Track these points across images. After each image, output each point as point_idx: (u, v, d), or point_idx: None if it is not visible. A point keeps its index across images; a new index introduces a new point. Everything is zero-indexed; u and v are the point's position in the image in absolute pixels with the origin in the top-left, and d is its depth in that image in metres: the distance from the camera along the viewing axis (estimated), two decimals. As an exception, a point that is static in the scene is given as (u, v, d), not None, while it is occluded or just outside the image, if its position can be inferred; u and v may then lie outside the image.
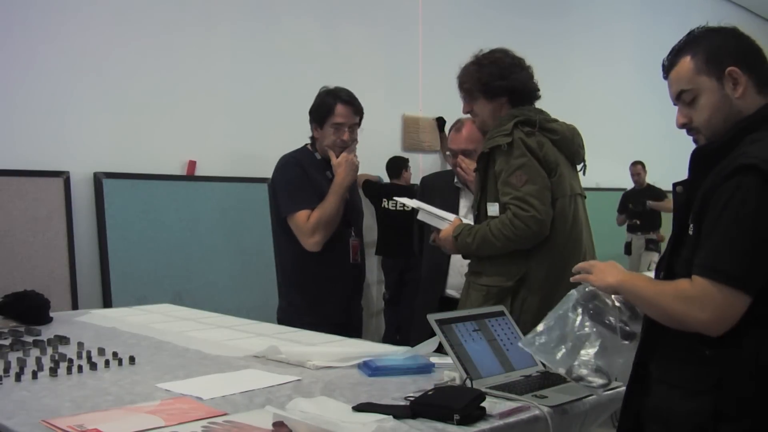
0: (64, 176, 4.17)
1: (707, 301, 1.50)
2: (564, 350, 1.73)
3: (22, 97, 4.08)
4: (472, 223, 2.61)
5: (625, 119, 8.34)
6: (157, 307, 3.25)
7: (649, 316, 1.66)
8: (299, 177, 3.04)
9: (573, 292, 1.81)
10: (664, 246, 7.83)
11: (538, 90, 2.64)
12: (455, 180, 3.19)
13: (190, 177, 4.75)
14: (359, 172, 3.24)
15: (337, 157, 3.03)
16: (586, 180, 2.70)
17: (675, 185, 1.70)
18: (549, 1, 7.65)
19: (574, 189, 2.57)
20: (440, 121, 6.42)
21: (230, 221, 4.85)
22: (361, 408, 1.65)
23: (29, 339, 2.45)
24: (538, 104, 2.66)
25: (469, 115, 2.74)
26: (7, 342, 2.36)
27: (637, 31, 8.72)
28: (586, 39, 8.03)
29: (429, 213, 2.75)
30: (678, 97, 1.69)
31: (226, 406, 1.69)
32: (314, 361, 2.09)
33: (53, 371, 2.00)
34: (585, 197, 2.67)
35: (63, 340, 2.42)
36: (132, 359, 2.15)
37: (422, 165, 6.37)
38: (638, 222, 8.04)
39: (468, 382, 1.79)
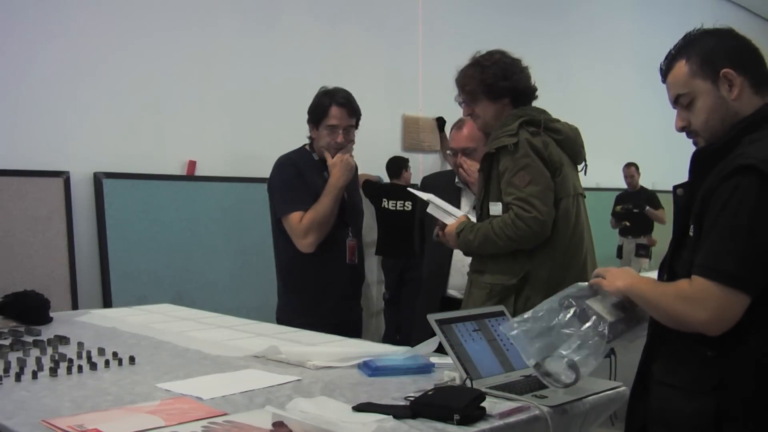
0: (64, 176, 4.17)
1: (706, 301, 1.50)
2: (542, 343, 1.72)
3: (23, 97, 4.08)
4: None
5: (625, 119, 8.35)
6: (157, 307, 3.25)
7: (654, 318, 1.66)
8: (294, 178, 3.04)
9: (571, 287, 1.81)
10: (654, 250, 7.82)
11: (536, 90, 2.65)
12: (456, 180, 3.19)
13: (190, 177, 4.75)
14: (360, 172, 3.24)
15: (333, 158, 3.03)
16: (586, 180, 2.70)
17: (675, 187, 1.71)
18: (549, 1, 7.65)
19: (576, 189, 2.58)
20: (440, 121, 6.42)
21: (230, 221, 4.85)
22: (361, 408, 1.65)
23: (29, 339, 2.45)
24: (538, 104, 2.66)
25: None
26: (7, 342, 2.36)
27: (637, 31, 8.73)
28: (586, 39, 8.03)
29: (438, 207, 2.75)
30: (676, 101, 1.70)
31: (226, 406, 1.69)
32: (314, 361, 2.09)
33: (53, 371, 2.00)
34: (585, 197, 2.67)
35: (63, 340, 2.42)
36: (132, 359, 2.15)
37: (422, 165, 6.37)
38: (627, 224, 7.89)
39: (468, 382, 1.79)
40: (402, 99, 6.22)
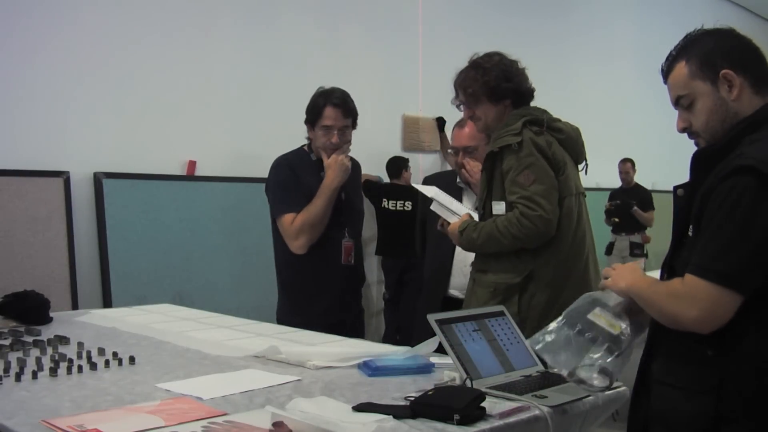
0: (64, 176, 4.17)
1: (697, 299, 1.51)
2: (570, 351, 1.72)
3: (23, 96, 4.07)
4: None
5: (625, 119, 8.34)
6: (157, 307, 3.25)
7: (652, 317, 1.66)
8: (288, 179, 3.04)
9: (589, 294, 1.81)
10: (648, 247, 7.74)
11: (534, 91, 2.66)
12: (458, 180, 3.19)
13: (190, 177, 4.75)
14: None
15: (329, 158, 3.02)
16: (586, 179, 2.71)
17: (676, 188, 1.71)
18: (549, 1, 7.65)
19: (578, 188, 2.59)
20: (440, 121, 6.42)
21: (230, 221, 4.85)
22: (361, 408, 1.65)
23: (29, 339, 2.45)
24: (537, 104, 2.67)
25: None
26: (7, 342, 2.36)
27: (637, 31, 8.73)
28: (586, 39, 8.03)
29: (441, 205, 2.75)
30: (677, 102, 1.70)
31: (226, 406, 1.69)
32: (314, 361, 2.09)
33: (53, 371, 2.00)
34: (585, 196, 2.68)
35: (63, 340, 2.42)
36: (132, 359, 2.15)
37: (422, 165, 6.37)
38: (617, 220, 7.66)
39: (468, 382, 1.79)
40: (402, 99, 6.22)
